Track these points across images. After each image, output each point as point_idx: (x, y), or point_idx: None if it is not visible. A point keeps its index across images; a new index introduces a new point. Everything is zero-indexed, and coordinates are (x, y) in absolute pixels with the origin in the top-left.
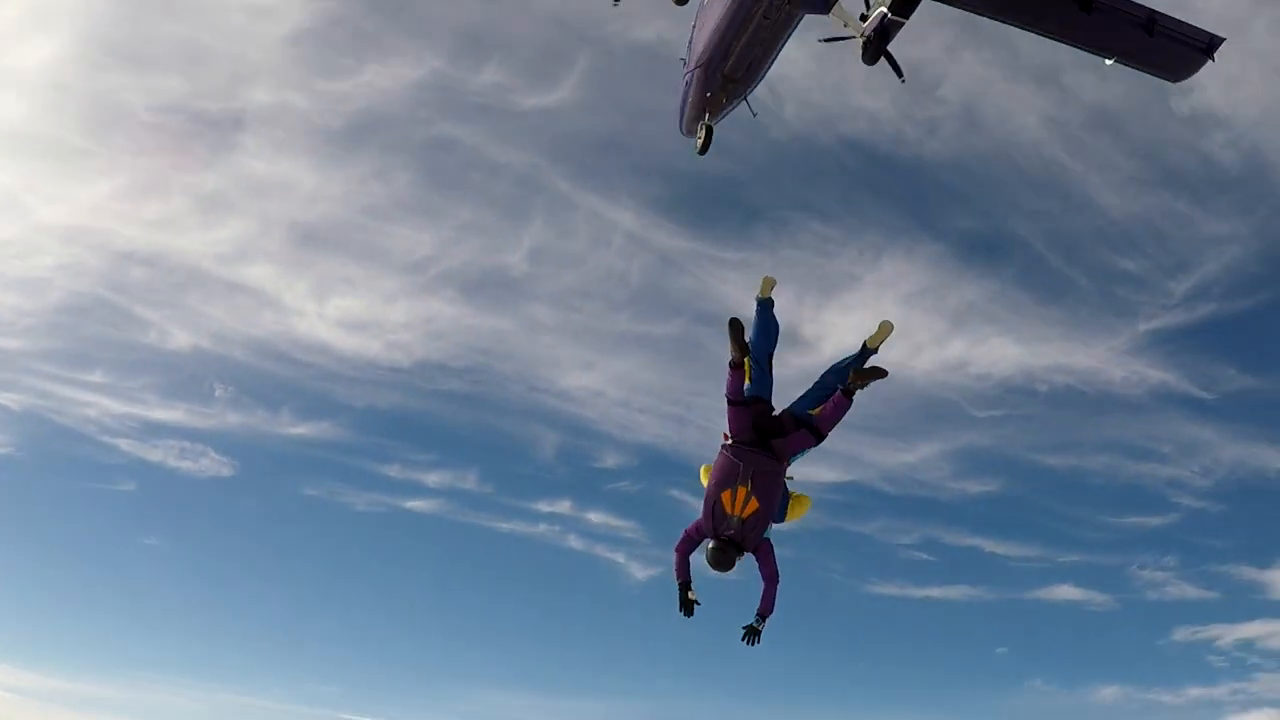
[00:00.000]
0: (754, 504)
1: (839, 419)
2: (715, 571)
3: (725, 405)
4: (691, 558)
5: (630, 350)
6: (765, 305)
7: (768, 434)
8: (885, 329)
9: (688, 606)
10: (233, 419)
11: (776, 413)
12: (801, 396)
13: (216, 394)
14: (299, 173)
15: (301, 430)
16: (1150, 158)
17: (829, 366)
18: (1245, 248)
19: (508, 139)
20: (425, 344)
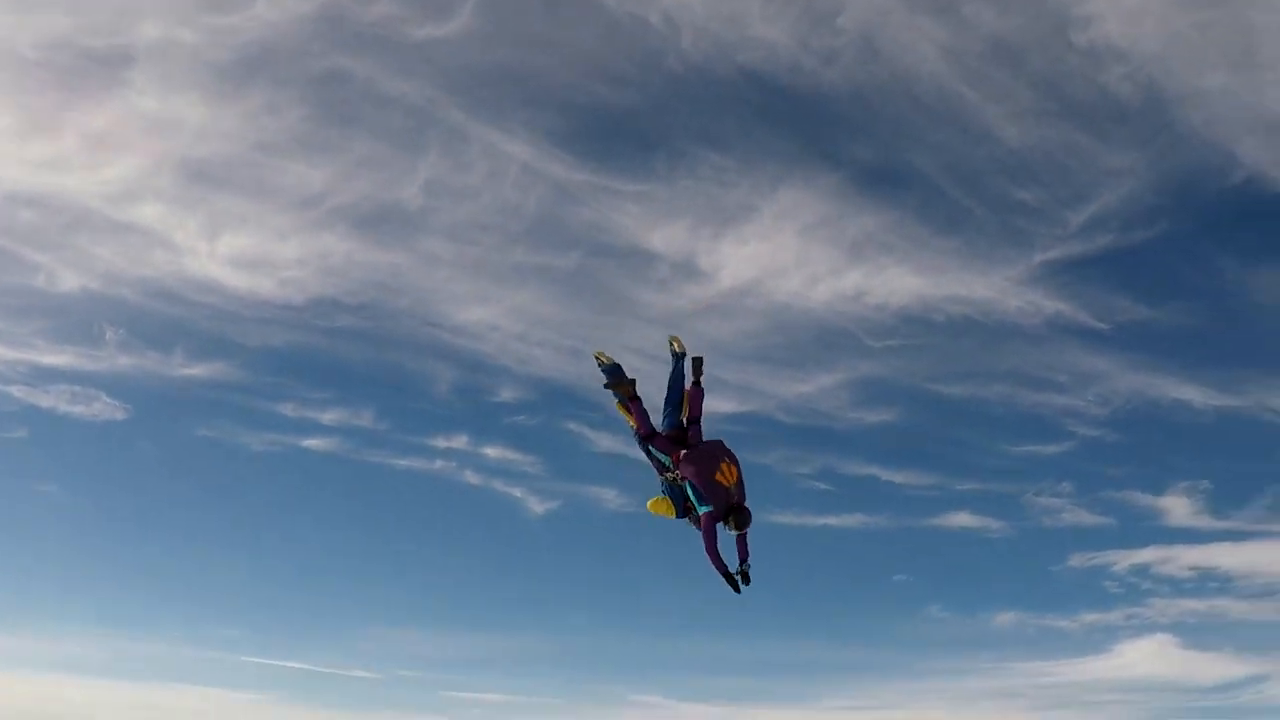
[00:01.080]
0: (736, 469)
1: (702, 406)
2: (739, 530)
3: (654, 437)
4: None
5: (527, 283)
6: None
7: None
8: (676, 340)
9: (743, 580)
10: (124, 362)
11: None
12: (666, 415)
13: (107, 337)
14: (189, 109)
15: (195, 371)
16: (1049, 89)
17: (666, 392)
18: (1142, 180)
19: (401, 71)
20: (319, 281)
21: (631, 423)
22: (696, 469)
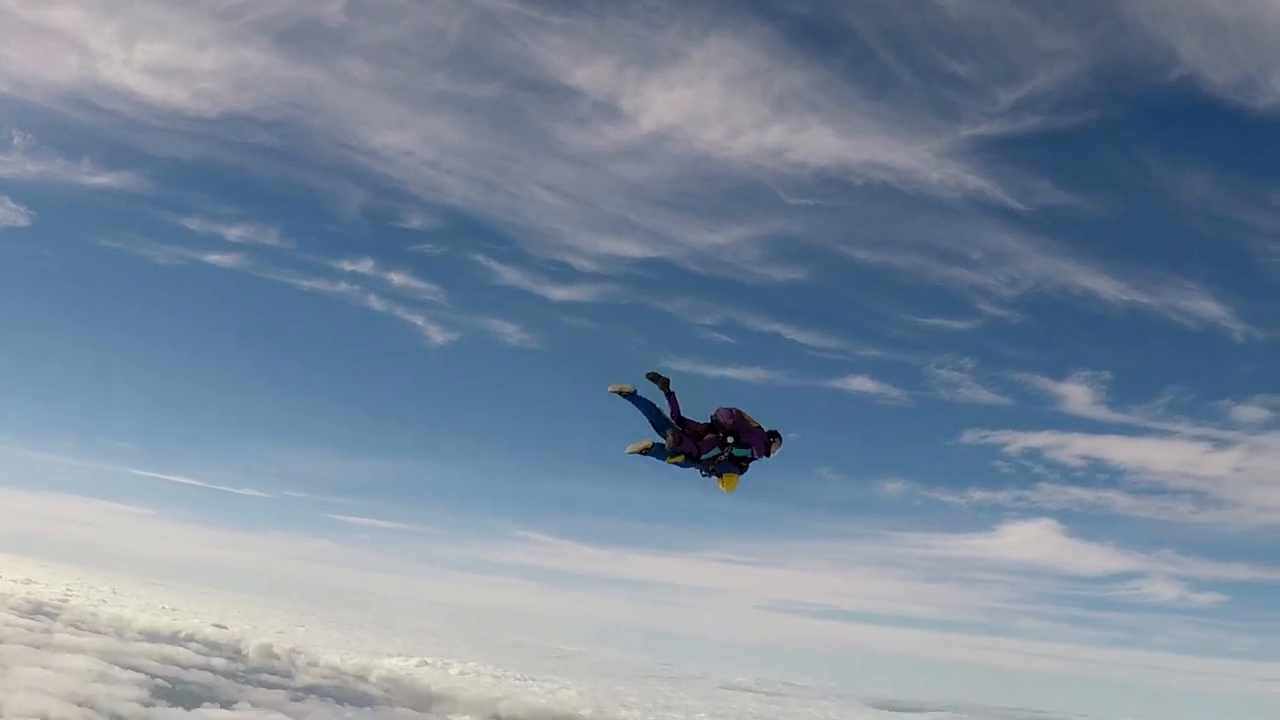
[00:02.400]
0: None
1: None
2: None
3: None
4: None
5: (445, 111)
6: (632, 396)
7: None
8: (619, 386)
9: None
10: (31, 167)
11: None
12: (667, 428)
13: (15, 141)
14: None
15: (102, 180)
16: None
17: (651, 420)
18: (1078, 65)
19: None
20: (234, 94)
21: (676, 451)
22: (739, 427)
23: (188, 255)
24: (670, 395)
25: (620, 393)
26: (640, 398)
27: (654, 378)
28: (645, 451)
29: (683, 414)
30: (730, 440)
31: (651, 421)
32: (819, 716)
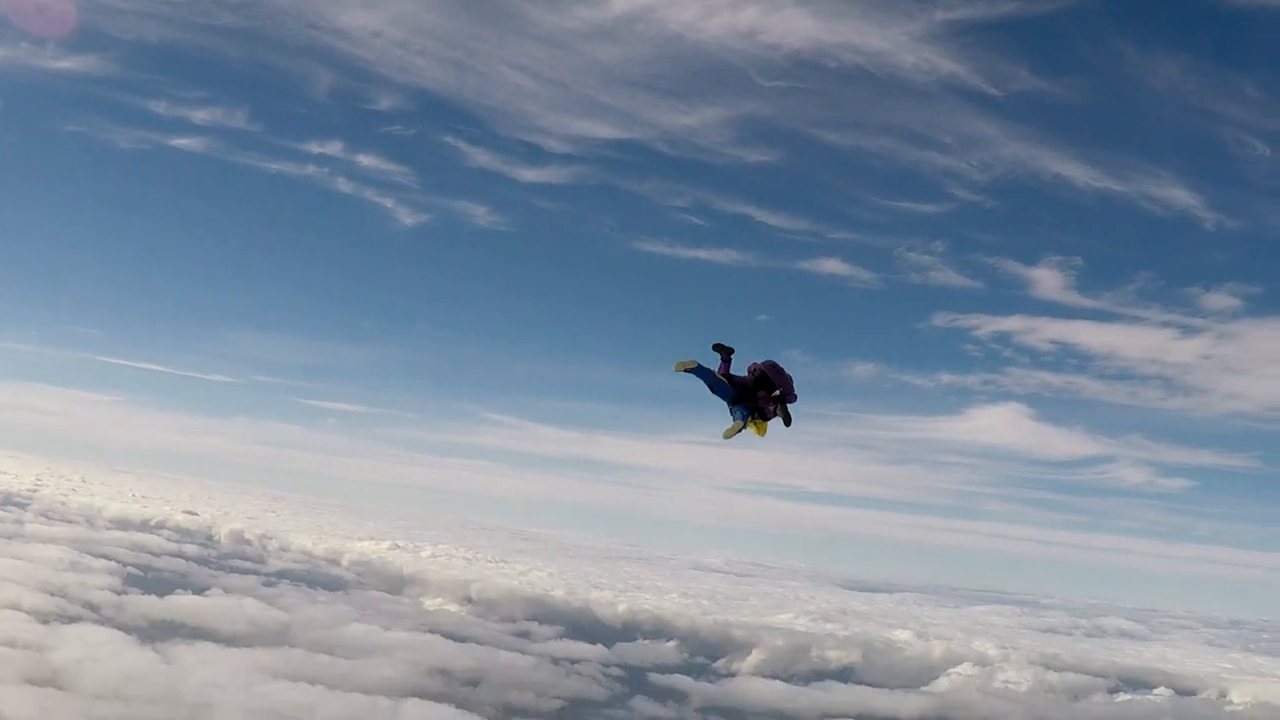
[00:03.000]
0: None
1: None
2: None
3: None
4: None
5: None
6: (699, 371)
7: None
8: (683, 364)
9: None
10: None
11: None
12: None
13: None
14: None
15: (66, 64)
16: None
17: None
18: None
19: None
20: None
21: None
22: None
23: (153, 139)
24: (726, 359)
25: (685, 370)
26: (702, 368)
27: (719, 348)
28: (691, 370)
29: (730, 372)
30: (777, 394)
31: (709, 384)
32: (788, 596)
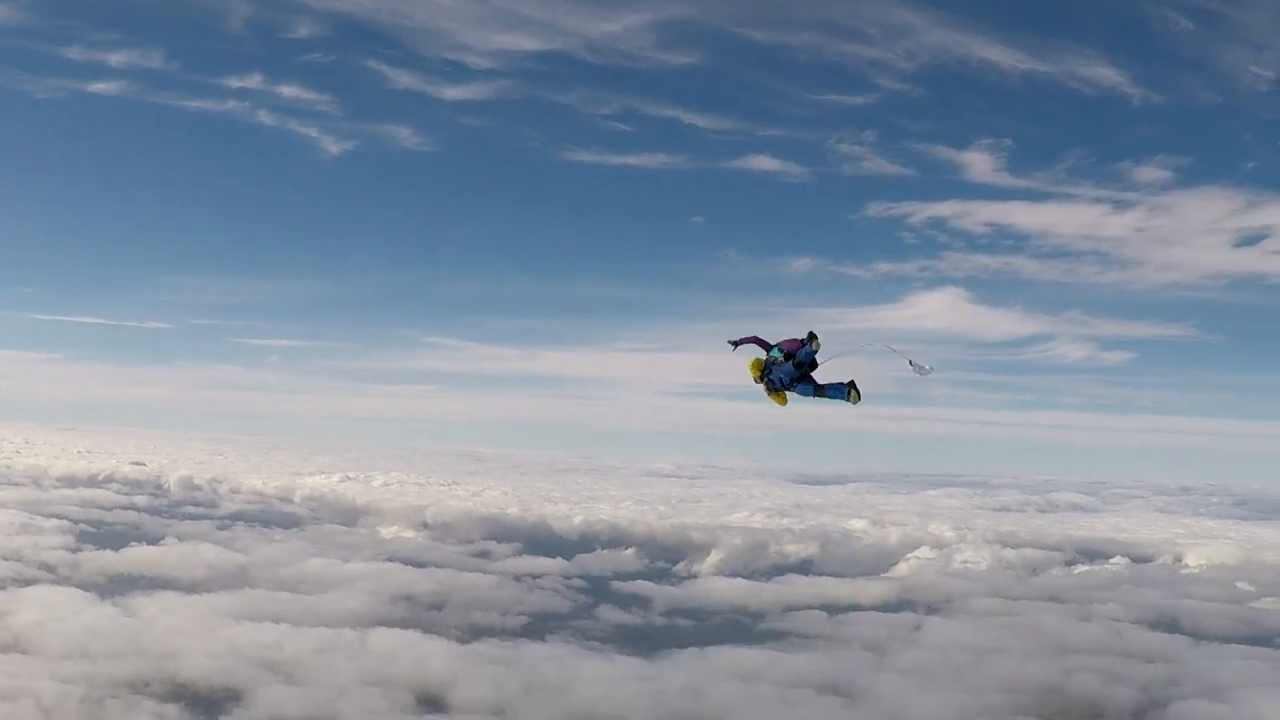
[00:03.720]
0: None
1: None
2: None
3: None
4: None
5: None
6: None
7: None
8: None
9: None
10: None
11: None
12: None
13: None
14: None
15: None
16: None
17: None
18: None
19: None
20: None
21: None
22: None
23: (70, 86)
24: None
25: (760, 373)
26: (768, 367)
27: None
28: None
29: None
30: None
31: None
32: (742, 495)
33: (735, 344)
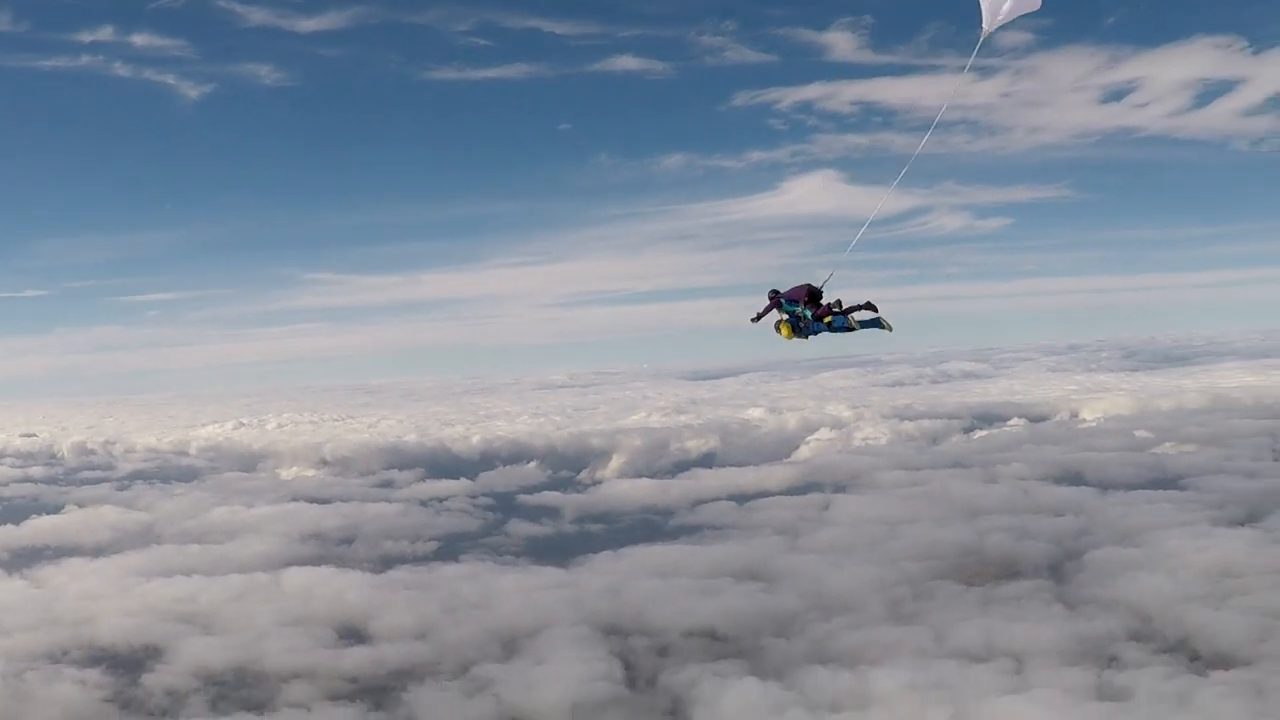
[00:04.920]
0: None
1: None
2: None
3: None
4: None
5: None
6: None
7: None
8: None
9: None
10: None
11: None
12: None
13: None
14: None
15: None
16: None
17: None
18: None
19: None
20: None
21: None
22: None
23: None
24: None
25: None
26: (792, 316)
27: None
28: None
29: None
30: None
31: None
32: (636, 397)
33: (758, 318)
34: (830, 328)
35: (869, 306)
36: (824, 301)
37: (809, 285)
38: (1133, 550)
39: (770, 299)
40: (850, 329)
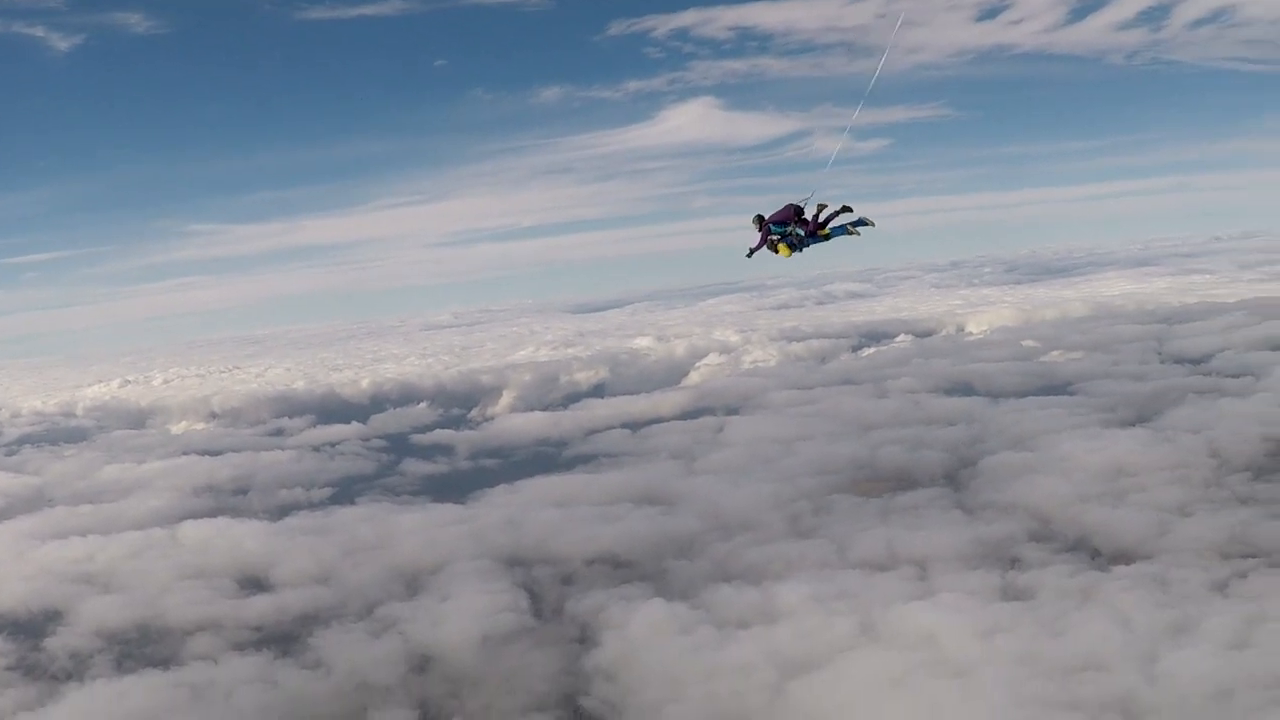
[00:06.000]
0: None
1: (783, 217)
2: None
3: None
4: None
5: None
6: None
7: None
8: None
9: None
10: None
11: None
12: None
13: None
14: None
15: None
16: None
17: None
18: None
19: None
20: None
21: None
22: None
23: None
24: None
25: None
26: (775, 228)
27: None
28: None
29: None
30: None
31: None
32: (523, 333)
33: (752, 252)
34: (828, 238)
35: (846, 209)
36: (806, 216)
37: (792, 205)
38: (1027, 455)
39: (760, 227)
40: (851, 233)
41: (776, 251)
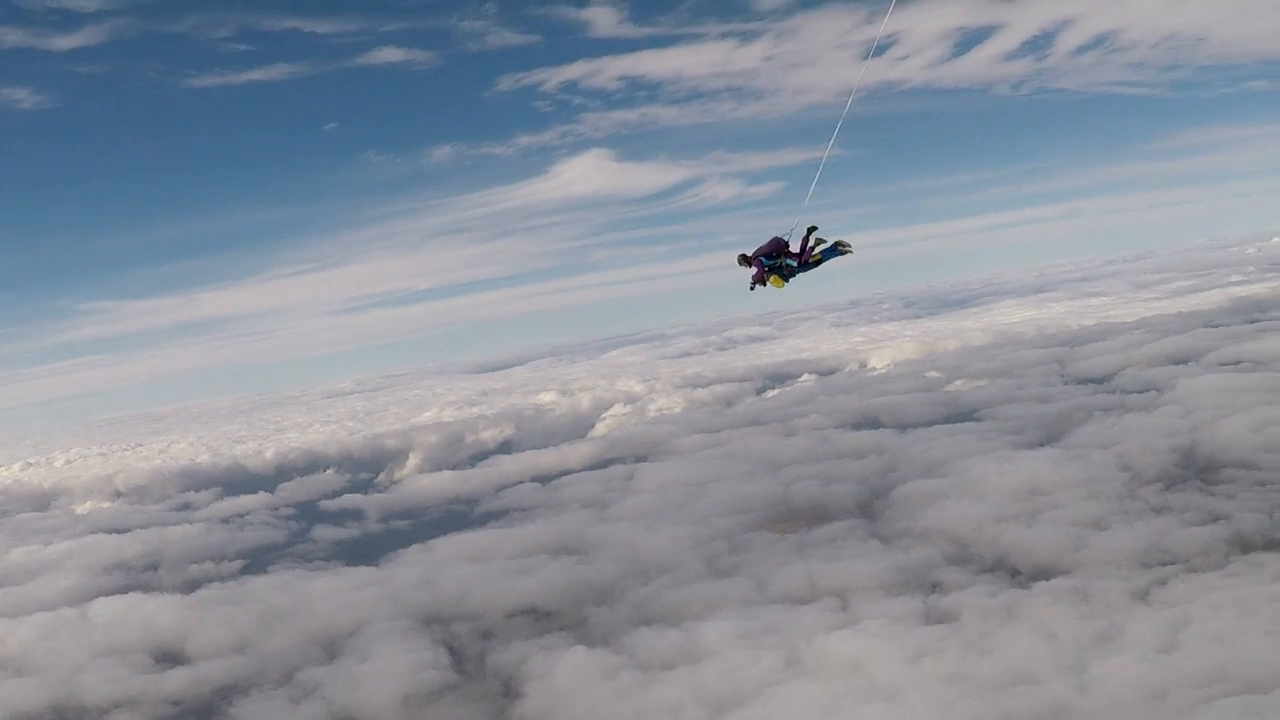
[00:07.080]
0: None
1: (771, 250)
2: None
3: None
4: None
5: None
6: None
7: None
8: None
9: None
10: None
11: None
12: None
13: None
14: None
15: None
16: None
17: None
18: None
19: None
20: None
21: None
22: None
23: None
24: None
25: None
26: (774, 264)
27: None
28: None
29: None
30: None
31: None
32: (426, 395)
33: (753, 286)
34: (819, 263)
35: (820, 239)
36: (792, 249)
37: (777, 239)
38: (939, 481)
39: (753, 264)
40: (843, 251)
41: (769, 285)
